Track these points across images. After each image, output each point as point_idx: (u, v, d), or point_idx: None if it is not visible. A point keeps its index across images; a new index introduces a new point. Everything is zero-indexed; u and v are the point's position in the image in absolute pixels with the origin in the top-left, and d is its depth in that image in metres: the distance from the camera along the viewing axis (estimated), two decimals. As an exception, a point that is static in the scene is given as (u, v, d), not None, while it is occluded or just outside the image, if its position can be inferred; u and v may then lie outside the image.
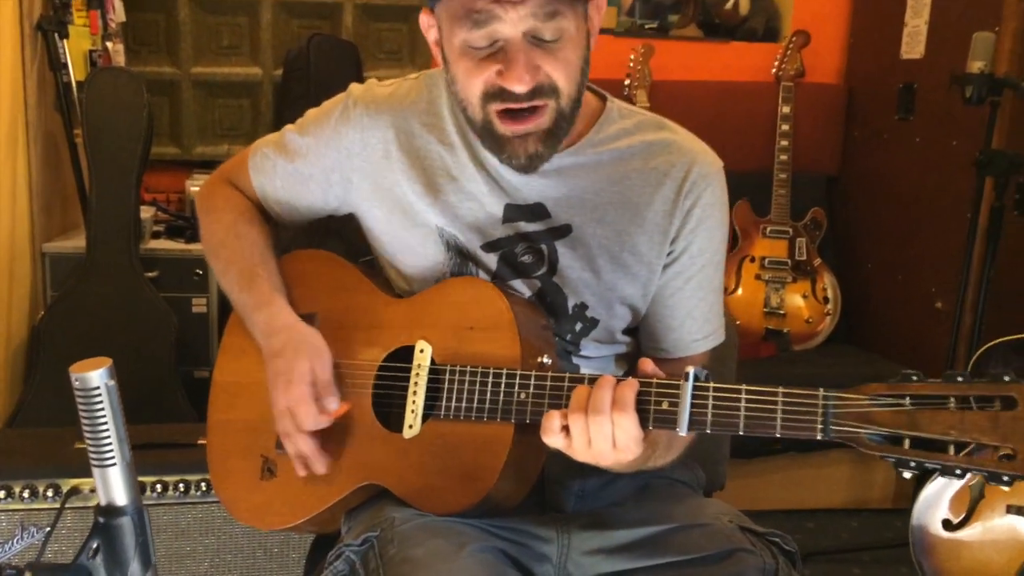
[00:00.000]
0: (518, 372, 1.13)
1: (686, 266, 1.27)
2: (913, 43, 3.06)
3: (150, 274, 2.64)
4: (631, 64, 3.13)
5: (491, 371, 1.14)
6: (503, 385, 1.13)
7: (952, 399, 0.94)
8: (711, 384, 1.03)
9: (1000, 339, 2.09)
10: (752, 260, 3.14)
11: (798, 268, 3.14)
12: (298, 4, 3.13)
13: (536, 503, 1.24)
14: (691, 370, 1.04)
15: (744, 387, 1.02)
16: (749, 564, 1.10)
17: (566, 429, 1.04)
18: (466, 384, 1.15)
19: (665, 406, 1.04)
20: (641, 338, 1.33)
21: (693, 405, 1.03)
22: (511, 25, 1.09)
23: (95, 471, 0.85)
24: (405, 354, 1.22)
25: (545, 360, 1.17)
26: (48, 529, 1.64)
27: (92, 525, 0.85)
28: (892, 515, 2.80)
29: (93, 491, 1.70)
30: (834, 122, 3.40)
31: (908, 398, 0.95)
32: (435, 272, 1.27)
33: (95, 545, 0.84)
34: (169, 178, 3.10)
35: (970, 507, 2.03)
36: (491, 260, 1.26)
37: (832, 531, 2.82)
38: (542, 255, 1.25)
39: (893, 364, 2.96)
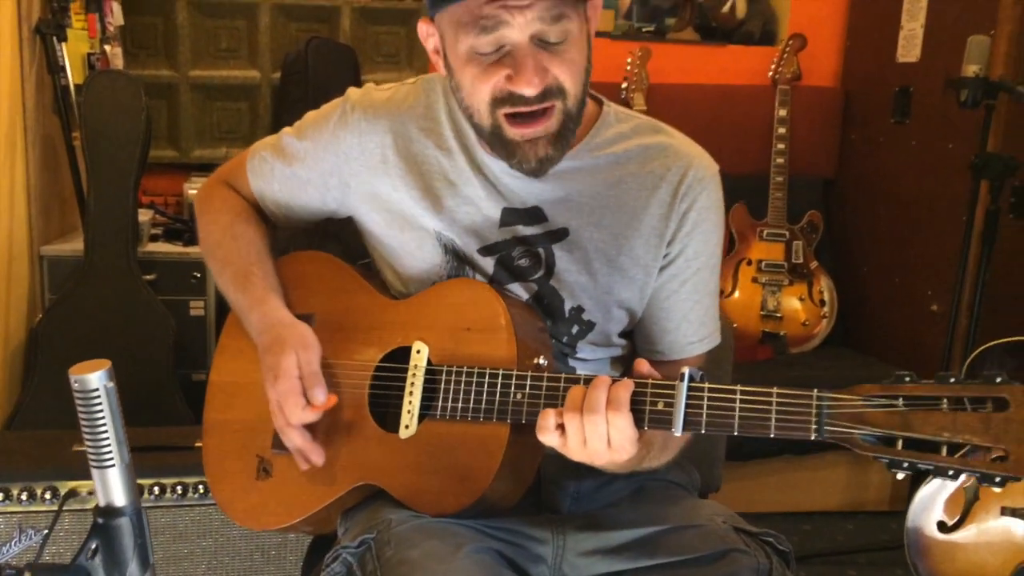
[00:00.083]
0: (514, 373, 1.14)
1: (682, 269, 1.28)
2: (909, 46, 3.07)
3: (148, 277, 2.64)
4: (628, 67, 3.14)
5: (487, 372, 1.15)
6: (499, 385, 1.14)
7: (945, 400, 0.94)
8: (706, 384, 1.04)
9: (995, 341, 2.10)
10: (749, 263, 3.15)
11: (795, 271, 3.15)
12: (296, 7, 3.14)
13: (532, 504, 1.25)
14: (686, 371, 1.04)
15: (739, 387, 1.02)
16: (743, 564, 1.11)
17: (561, 428, 1.05)
18: (462, 384, 1.16)
19: (660, 406, 1.04)
20: (637, 340, 1.33)
21: (688, 405, 1.03)
22: (519, 30, 1.09)
23: (94, 472, 0.86)
24: (402, 355, 1.23)
25: (541, 361, 1.18)
26: (46, 531, 1.64)
27: (91, 526, 0.86)
28: (888, 517, 2.81)
29: (91, 493, 1.72)
30: (830, 125, 3.41)
31: (901, 399, 0.96)
32: (432, 275, 1.28)
33: (94, 546, 0.85)
34: (167, 181, 3.11)
35: (965, 509, 2.03)
36: (488, 264, 1.26)
37: (828, 533, 2.82)
38: (539, 258, 1.26)
39: (889, 366, 2.97)
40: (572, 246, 1.25)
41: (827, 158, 3.42)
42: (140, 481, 1.72)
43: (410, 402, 1.19)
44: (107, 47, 2.90)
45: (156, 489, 1.77)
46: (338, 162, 1.31)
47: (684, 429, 1.03)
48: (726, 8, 3.57)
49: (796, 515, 2.87)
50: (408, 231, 1.29)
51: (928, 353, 2.80)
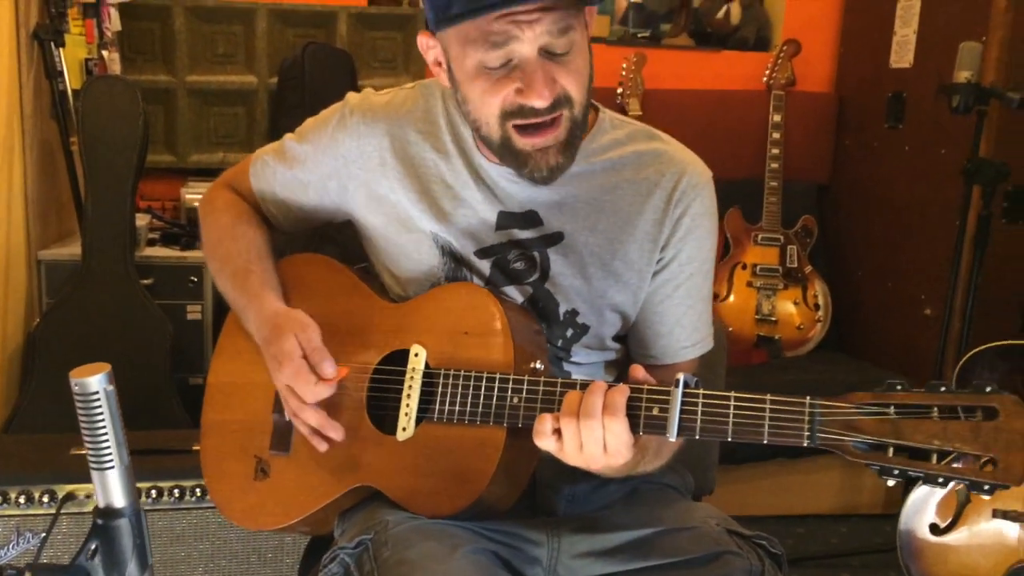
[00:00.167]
0: (511, 376, 1.15)
1: (675, 274, 1.29)
2: (902, 52, 3.09)
3: (145, 281, 2.64)
4: (623, 73, 3.15)
5: (484, 375, 1.16)
6: (496, 389, 1.15)
7: (935, 409, 0.96)
8: (701, 391, 1.05)
9: (986, 345, 2.11)
10: (744, 267, 3.17)
11: (789, 275, 3.16)
12: (293, 13, 3.14)
13: (527, 507, 1.26)
14: (681, 376, 1.05)
15: (733, 394, 1.04)
16: (736, 566, 1.12)
17: (558, 432, 1.06)
18: (460, 388, 1.17)
19: (655, 412, 1.05)
20: (630, 344, 1.35)
21: (683, 411, 1.04)
22: (528, 43, 1.10)
23: (94, 474, 0.86)
24: (400, 358, 1.24)
25: (537, 365, 1.19)
26: (44, 534, 1.65)
27: (91, 526, 0.87)
28: (881, 520, 2.82)
29: (89, 496, 1.73)
30: (825, 130, 3.43)
31: (892, 407, 0.97)
32: (430, 277, 1.29)
33: (93, 546, 0.86)
34: (164, 186, 3.11)
35: (957, 512, 2.05)
36: (484, 266, 1.27)
37: (822, 536, 2.83)
38: (534, 262, 1.27)
39: (883, 370, 2.99)
40: (567, 250, 1.27)
41: (821, 163, 3.44)
42: (137, 484, 1.73)
43: (407, 405, 1.20)
44: (105, 52, 2.90)
45: (153, 492, 1.77)
46: (337, 165, 1.33)
47: (679, 435, 1.04)
48: (721, 14, 3.59)
49: (790, 518, 2.88)
50: (406, 233, 1.30)
51: (921, 357, 2.82)
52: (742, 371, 2.93)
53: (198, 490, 1.79)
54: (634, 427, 1.05)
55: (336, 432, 1.21)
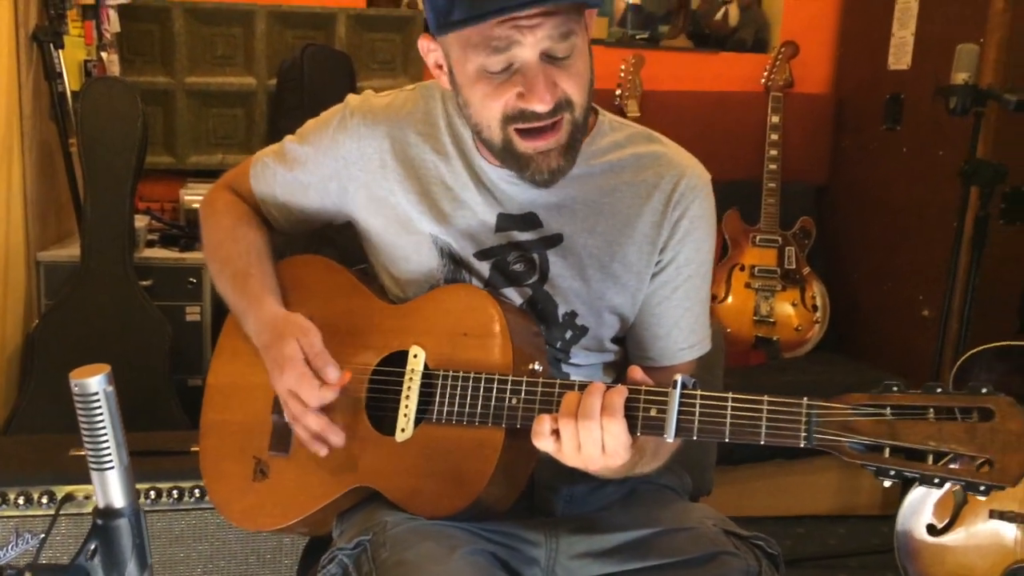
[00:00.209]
0: (510, 378, 1.15)
1: (673, 276, 1.29)
2: (900, 54, 3.10)
3: (144, 283, 2.65)
4: (622, 74, 3.16)
5: (483, 376, 1.16)
6: (495, 390, 1.15)
7: (931, 410, 0.96)
8: (698, 392, 1.05)
9: (983, 346, 2.12)
10: (742, 268, 3.17)
11: (787, 276, 3.17)
12: (292, 15, 3.15)
13: (525, 507, 1.26)
14: (679, 378, 1.06)
15: (730, 395, 1.04)
16: (733, 567, 1.12)
17: (556, 433, 1.06)
18: (458, 389, 1.17)
19: (653, 413, 1.06)
20: (628, 346, 1.35)
21: (680, 412, 1.05)
22: (529, 48, 1.10)
23: (93, 474, 0.87)
24: (399, 359, 1.24)
25: (536, 367, 1.19)
26: (43, 535, 1.65)
27: (90, 526, 0.87)
28: (879, 521, 2.82)
29: (87, 498, 1.73)
30: (823, 132, 3.44)
31: (889, 408, 0.98)
32: (429, 279, 1.30)
33: (93, 546, 0.86)
34: (163, 187, 3.11)
35: (954, 512, 2.05)
36: (484, 268, 1.28)
37: (820, 537, 2.84)
38: (534, 264, 1.27)
39: (881, 371, 2.99)
40: (566, 252, 1.27)
41: (819, 164, 3.44)
42: (136, 485, 1.73)
43: (406, 406, 1.21)
44: (104, 54, 2.91)
45: (152, 493, 1.78)
46: (338, 167, 1.33)
47: (676, 435, 1.05)
48: (719, 16, 3.60)
49: (788, 519, 2.88)
50: (405, 235, 1.30)
51: (919, 358, 2.82)
52: (740, 372, 2.94)
53: (197, 491, 1.79)
54: (632, 428, 1.06)
55: (337, 437, 1.20)
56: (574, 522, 1.24)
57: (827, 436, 0.99)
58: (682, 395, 1.05)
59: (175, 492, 1.79)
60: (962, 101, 2.32)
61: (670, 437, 1.05)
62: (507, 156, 1.20)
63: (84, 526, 1.71)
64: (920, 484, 0.97)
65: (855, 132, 3.35)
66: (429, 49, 1.22)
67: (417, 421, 1.20)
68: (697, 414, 1.04)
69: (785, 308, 3.15)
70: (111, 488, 0.87)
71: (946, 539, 2.07)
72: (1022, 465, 0.93)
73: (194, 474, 1.77)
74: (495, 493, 1.17)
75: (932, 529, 2.07)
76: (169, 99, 3.11)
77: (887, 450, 0.97)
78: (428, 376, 1.21)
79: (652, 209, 1.27)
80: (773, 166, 3.21)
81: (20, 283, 2.62)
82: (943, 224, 2.71)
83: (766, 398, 1.03)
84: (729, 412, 1.03)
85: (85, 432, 0.85)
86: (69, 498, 1.73)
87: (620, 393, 1.05)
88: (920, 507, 2.08)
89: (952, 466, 0.96)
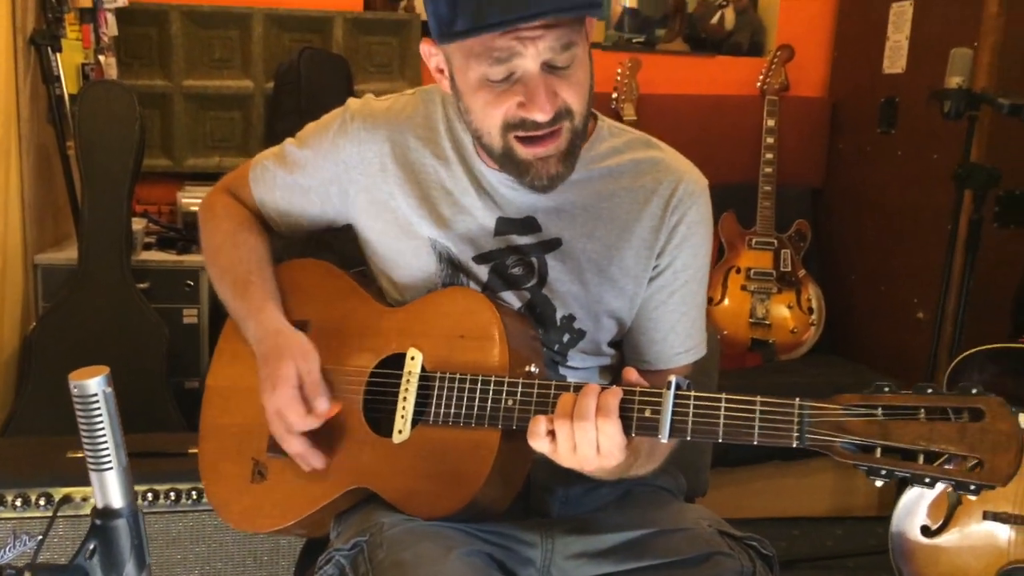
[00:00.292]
0: (506, 380, 1.16)
1: (670, 280, 1.30)
2: (895, 58, 3.11)
3: (141, 285, 2.65)
4: (618, 78, 3.17)
5: (480, 378, 1.17)
6: (491, 392, 1.16)
7: (922, 410, 0.97)
8: (692, 393, 1.06)
9: (976, 348, 2.13)
10: (738, 271, 3.18)
11: (783, 279, 3.18)
12: (289, 18, 3.15)
13: (521, 508, 1.27)
14: (673, 379, 1.06)
15: (724, 396, 1.05)
16: (727, 567, 1.13)
17: (552, 434, 1.07)
18: (455, 391, 1.18)
19: (648, 414, 1.06)
20: (625, 350, 1.36)
21: (674, 413, 1.05)
22: (531, 59, 1.11)
23: (92, 475, 0.87)
24: (396, 361, 1.25)
25: (532, 369, 1.20)
26: (40, 537, 1.65)
27: (89, 527, 0.88)
28: (876, 522, 2.83)
29: (85, 499, 1.73)
30: (818, 135, 3.45)
31: (880, 409, 0.99)
32: (428, 282, 1.30)
33: (92, 546, 0.87)
34: (161, 190, 3.12)
35: (948, 513, 2.06)
36: (482, 272, 1.29)
37: (817, 539, 2.85)
38: (532, 268, 1.28)
39: (876, 373, 3.00)
40: (565, 256, 1.28)
41: (815, 168, 3.46)
42: (134, 487, 1.73)
43: (404, 407, 1.21)
44: (101, 57, 2.91)
45: (150, 495, 1.78)
46: (338, 171, 1.34)
47: (670, 436, 1.06)
48: (715, 19, 3.61)
49: (784, 520, 2.89)
50: (404, 239, 1.31)
51: (914, 360, 2.83)
52: (736, 374, 2.95)
53: (194, 493, 1.79)
54: (627, 428, 1.06)
55: (319, 462, 1.23)
56: (569, 523, 1.24)
57: (819, 436, 1.00)
58: (676, 396, 1.06)
59: (172, 494, 1.79)
60: (956, 105, 2.33)
61: (664, 437, 1.06)
62: (507, 162, 1.20)
63: (81, 528, 1.71)
64: (911, 484, 0.98)
65: (850, 135, 3.36)
66: (431, 53, 1.23)
67: (414, 423, 1.21)
68: (691, 415, 1.05)
69: (781, 310, 3.16)
70: (110, 489, 0.87)
71: (940, 540, 2.07)
72: (1012, 465, 0.94)
73: (191, 476, 1.77)
74: (491, 494, 1.18)
75: (926, 530, 2.08)
76: (166, 102, 3.11)
77: (879, 450, 0.98)
78: (425, 378, 1.22)
79: (650, 214, 1.28)
80: (769, 169, 3.22)
81: (17, 286, 2.62)
82: (937, 227, 2.72)
83: (759, 399, 1.03)
84: (722, 413, 1.04)
85: (84, 433, 0.86)
86: (67, 500, 1.74)
87: (615, 394, 1.06)
88: (914, 508, 2.09)
89: (943, 466, 0.96)
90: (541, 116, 1.14)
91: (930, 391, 0.98)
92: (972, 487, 0.95)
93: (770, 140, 3.23)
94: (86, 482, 0.88)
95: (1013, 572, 2.03)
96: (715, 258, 3.17)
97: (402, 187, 1.31)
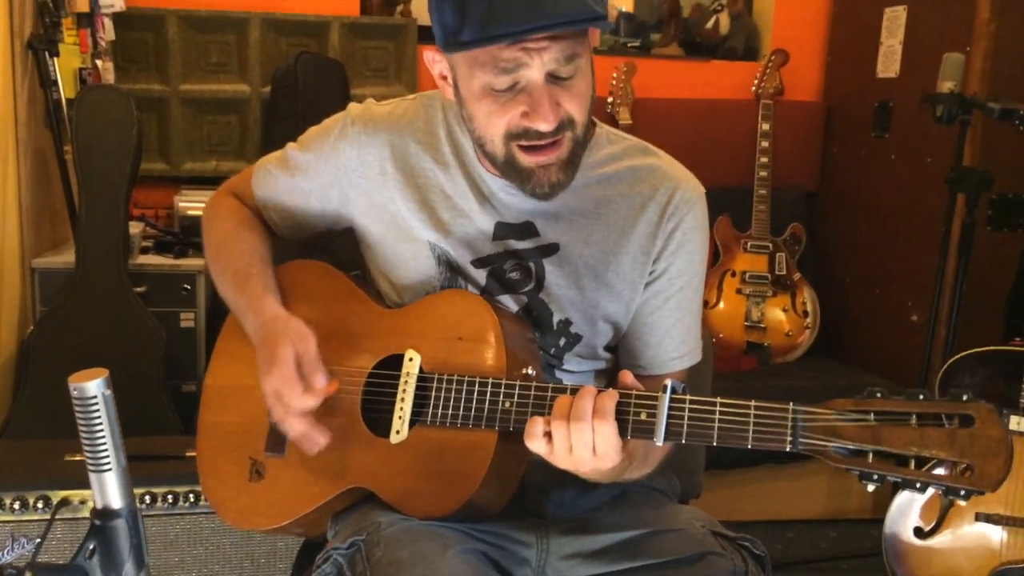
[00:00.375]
0: (503, 381, 1.17)
1: (665, 286, 1.32)
2: (888, 62, 3.13)
3: (139, 289, 2.65)
4: (614, 82, 3.18)
5: (477, 380, 1.18)
6: (488, 394, 1.17)
7: (914, 416, 0.99)
8: (687, 396, 1.07)
9: (968, 351, 2.14)
10: (733, 274, 3.19)
11: (778, 282, 3.19)
12: (286, 23, 3.16)
13: (517, 509, 1.27)
14: (669, 383, 1.08)
15: (719, 400, 1.06)
16: (719, 567, 1.15)
17: (548, 435, 1.08)
18: (453, 392, 1.19)
19: (643, 416, 1.07)
20: (620, 354, 1.37)
21: (670, 416, 1.06)
22: (536, 70, 1.13)
23: (92, 476, 0.88)
24: (395, 362, 1.26)
25: (530, 371, 1.21)
26: (39, 540, 1.66)
27: (89, 527, 0.88)
28: (870, 525, 2.83)
29: (83, 502, 1.74)
30: (813, 139, 3.46)
31: (873, 414, 1.00)
32: (426, 285, 1.32)
33: (91, 546, 0.87)
34: (158, 194, 3.12)
35: (940, 515, 2.07)
36: (481, 275, 1.30)
37: (811, 541, 2.85)
38: (530, 272, 1.29)
39: (871, 375, 3.02)
40: (562, 261, 1.29)
41: (809, 171, 3.47)
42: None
43: (401, 408, 1.22)
44: (99, 62, 2.92)
45: (147, 498, 1.78)
46: (338, 174, 1.35)
47: (666, 439, 1.07)
48: (710, 24, 3.63)
49: (779, 523, 2.90)
50: (404, 242, 1.32)
51: (908, 362, 2.84)
52: (732, 377, 2.96)
53: (191, 496, 1.80)
54: (622, 431, 1.07)
55: (324, 438, 1.21)
56: (564, 523, 1.26)
57: (812, 441, 1.01)
58: (671, 399, 1.07)
59: (170, 497, 1.80)
60: (948, 109, 2.34)
61: (659, 440, 1.07)
62: (509, 170, 1.22)
63: (80, 530, 1.72)
64: (902, 488, 0.99)
65: (844, 139, 3.38)
66: (434, 60, 1.24)
67: (412, 423, 1.22)
68: (686, 418, 1.06)
69: (776, 314, 3.17)
70: (109, 489, 0.88)
71: (933, 542, 2.09)
72: (1001, 471, 0.95)
73: (189, 479, 1.78)
74: (487, 495, 1.19)
75: (919, 532, 2.09)
76: (164, 106, 3.12)
77: (870, 455, 0.99)
78: (423, 379, 1.23)
79: (647, 220, 1.30)
80: (764, 173, 3.23)
81: (15, 290, 2.63)
82: (931, 230, 2.73)
83: (753, 403, 1.05)
84: (717, 416, 1.05)
85: (84, 435, 0.86)
86: (65, 503, 1.74)
87: (611, 397, 1.07)
88: (907, 510, 2.10)
89: (934, 471, 0.98)
90: (545, 126, 1.15)
91: (922, 397, 0.99)
92: (962, 492, 0.97)
93: (765, 144, 3.25)
94: (84, 485, 0.89)
95: (1005, 573, 2.04)
96: (711, 262, 3.18)
97: (402, 191, 1.32)
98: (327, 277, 1.39)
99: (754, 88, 3.33)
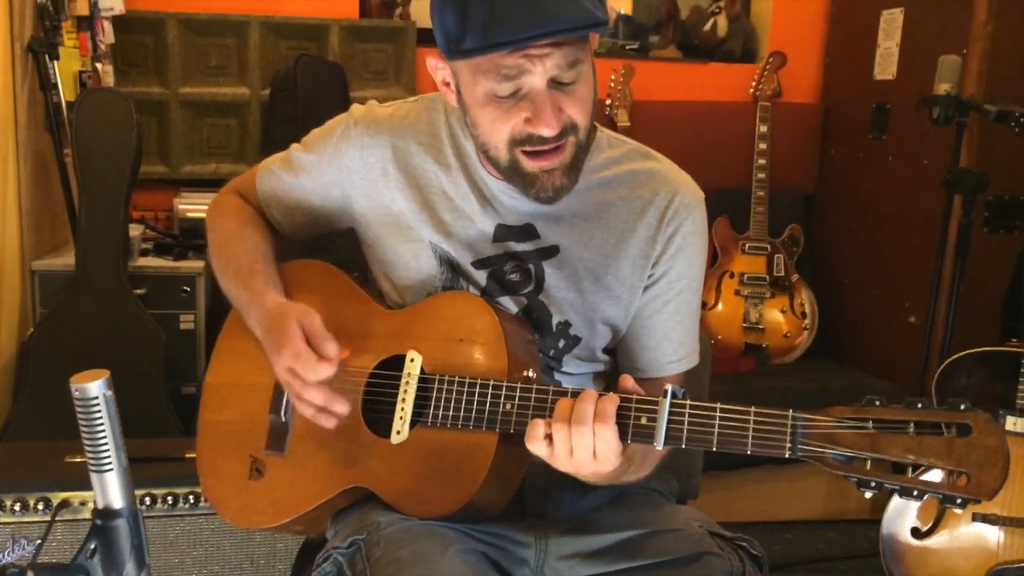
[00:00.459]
0: (504, 383, 1.18)
1: (664, 290, 1.32)
2: (886, 64, 3.14)
3: (138, 291, 2.65)
4: (612, 84, 3.19)
5: (478, 382, 1.19)
6: (489, 396, 1.18)
7: (912, 424, 0.99)
8: (688, 402, 1.08)
9: (965, 352, 2.15)
10: (731, 276, 3.20)
11: (776, 284, 3.19)
12: (285, 26, 3.17)
13: (516, 511, 1.28)
14: (669, 387, 1.08)
15: (719, 405, 1.07)
16: (716, 567, 1.15)
17: (549, 438, 1.08)
18: (454, 393, 1.20)
19: (644, 421, 1.08)
20: (618, 357, 1.38)
21: (670, 421, 1.07)
22: (539, 77, 1.14)
23: (93, 476, 0.88)
24: (396, 363, 1.26)
25: (530, 374, 1.22)
26: (39, 541, 1.67)
27: (90, 527, 0.89)
28: (868, 526, 2.83)
29: (83, 504, 1.74)
30: (810, 141, 3.47)
31: (871, 422, 1.01)
32: (427, 286, 1.32)
33: (93, 546, 0.88)
34: (157, 196, 3.13)
35: (937, 515, 2.08)
36: (481, 276, 1.31)
37: (810, 542, 2.86)
38: (530, 274, 1.30)
39: (869, 376, 3.02)
40: (562, 263, 1.30)
41: (807, 173, 3.48)
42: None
43: (402, 408, 1.23)
44: (98, 65, 2.93)
45: (147, 499, 1.78)
46: (341, 175, 1.36)
47: (665, 443, 1.07)
48: (708, 26, 3.64)
49: (778, 524, 2.90)
50: (405, 243, 1.33)
51: (905, 363, 2.84)
52: (730, 379, 2.96)
53: (191, 497, 1.80)
54: (623, 435, 1.08)
55: (343, 407, 1.21)
56: (563, 523, 1.26)
57: (811, 448, 1.02)
58: (672, 404, 1.07)
59: (169, 498, 1.80)
60: (944, 111, 2.35)
61: (659, 445, 1.07)
62: (513, 174, 1.23)
63: (80, 532, 1.73)
64: (900, 496, 1.00)
65: (842, 141, 3.39)
66: (437, 67, 1.25)
67: (412, 424, 1.23)
68: (686, 423, 1.07)
69: (774, 315, 3.18)
70: (110, 489, 0.88)
71: (930, 542, 2.09)
72: (998, 479, 0.96)
73: (188, 480, 1.78)
74: (488, 496, 1.20)
75: (916, 532, 2.10)
76: (163, 109, 3.12)
77: (868, 462, 1.00)
78: (424, 380, 1.23)
79: (646, 224, 1.30)
80: (762, 175, 3.24)
81: (15, 292, 2.63)
82: (928, 232, 2.73)
83: (753, 409, 1.05)
84: (717, 422, 1.06)
85: (85, 435, 0.87)
86: (65, 504, 1.74)
87: (612, 401, 1.08)
88: (905, 511, 2.11)
89: (931, 479, 0.98)
90: (548, 132, 1.16)
91: (920, 405, 1.00)
92: (959, 500, 0.98)
93: (763, 146, 3.25)
94: (84, 486, 0.90)
95: (1002, 573, 2.05)
96: (709, 264, 3.19)
97: (403, 192, 1.33)
98: (329, 276, 1.40)
99: (752, 90, 3.34)
